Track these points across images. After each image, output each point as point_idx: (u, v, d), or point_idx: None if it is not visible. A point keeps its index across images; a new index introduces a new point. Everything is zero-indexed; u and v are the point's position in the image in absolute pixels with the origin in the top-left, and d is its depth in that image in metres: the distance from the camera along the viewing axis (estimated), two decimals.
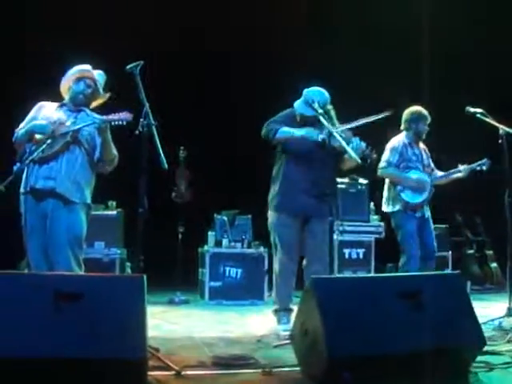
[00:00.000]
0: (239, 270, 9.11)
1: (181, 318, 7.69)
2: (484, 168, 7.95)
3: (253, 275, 9.01)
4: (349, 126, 6.60)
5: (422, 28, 10.61)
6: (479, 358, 4.87)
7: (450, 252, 11.29)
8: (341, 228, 9.70)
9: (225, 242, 9.32)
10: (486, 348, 5.17)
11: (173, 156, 8.69)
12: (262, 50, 11.22)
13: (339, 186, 9.30)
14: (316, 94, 6.63)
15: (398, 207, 7.66)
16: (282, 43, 11.24)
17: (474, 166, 8.00)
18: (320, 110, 6.38)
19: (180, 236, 9.32)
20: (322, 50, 10.83)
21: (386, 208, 7.88)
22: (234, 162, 11.32)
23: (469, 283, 11.02)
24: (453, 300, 4.78)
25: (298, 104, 6.72)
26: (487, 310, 7.80)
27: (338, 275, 8.60)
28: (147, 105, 5.33)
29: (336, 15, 11.40)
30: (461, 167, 8.00)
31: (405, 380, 4.26)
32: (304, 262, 6.71)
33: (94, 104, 5.93)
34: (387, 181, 7.85)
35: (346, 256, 10.01)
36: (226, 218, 9.15)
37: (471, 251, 11.75)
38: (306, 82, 6.86)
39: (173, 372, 4.59)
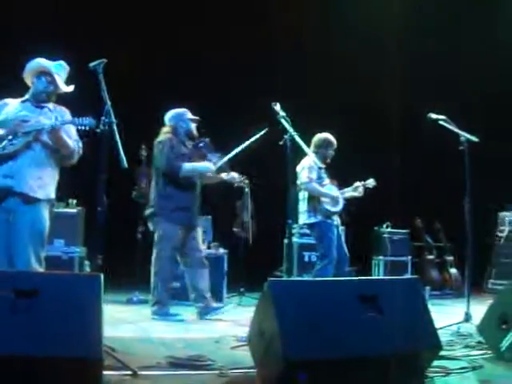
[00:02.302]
0: None
1: (139, 318, 7.63)
2: (370, 186, 8.62)
3: (212, 276, 8.95)
4: (231, 155, 7.68)
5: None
6: (436, 363, 4.88)
7: (410, 257, 11.38)
8: (301, 231, 9.74)
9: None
10: (443, 353, 5.21)
11: (134, 154, 8.66)
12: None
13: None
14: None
15: (319, 217, 8.12)
16: None
17: (364, 183, 8.63)
18: None
19: (140, 235, 9.26)
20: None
21: (306, 220, 8.28)
22: None
23: (428, 288, 11.09)
24: (410, 304, 4.77)
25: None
26: (446, 315, 7.84)
27: (297, 278, 8.65)
28: (109, 103, 5.30)
29: None
30: (356, 184, 8.58)
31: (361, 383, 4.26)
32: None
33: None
34: (306, 195, 8.23)
35: (306, 259, 10.02)
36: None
37: (431, 256, 11.83)
38: None
39: (129, 372, 4.55)
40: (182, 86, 10.76)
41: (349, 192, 8.50)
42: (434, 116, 7.46)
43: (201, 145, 7.69)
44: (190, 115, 7.83)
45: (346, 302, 4.53)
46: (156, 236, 7.66)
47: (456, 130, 7.33)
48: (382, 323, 4.51)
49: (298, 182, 8.11)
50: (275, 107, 6.62)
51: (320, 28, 11.94)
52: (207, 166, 7.66)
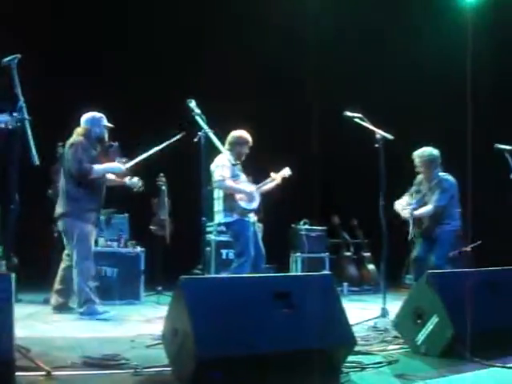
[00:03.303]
0: (115, 270, 8.97)
1: (55, 318, 7.53)
2: (286, 175, 8.55)
3: (129, 275, 8.91)
4: (141, 158, 7.87)
5: None
6: (352, 358, 4.95)
7: (327, 254, 11.51)
8: (218, 228, 9.75)
9: (101, 240, 9.18)
10: (359, 348, 5.30)
11: (50, 152, 8.55)
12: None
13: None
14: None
15: (235, 216, 8.04)
16: None
17: (280, 174, 8.53)
18: None
19: (56, 234, 9.13)
20: None
21: (222, 219, 8.20)
22: None
23: (346, 284, 11.25)
24: (324, 300, 4.82)
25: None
26: (363, 310, 7.99)
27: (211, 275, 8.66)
28: (22, 99, 5.22)
29: None
30: (273, 176, 8.49)
31: (276, 380, 4.28)
32: None
33: None
34: (221, 193, 8.17)
35: (224, 256, 10.04)
36: (102, 217, 9.02)
37: (348, 253, 12.01)
38: None
39: (43, 373, 4.48)
40: (96, 86, 10.69)
41: (266, 185, 8.44)
42: (349, 113, 7.55)
43: (110, 149, 7.70)
44: (105, 121, 7.84)
45: (260, 299, 4.56)
46: (72, 237, 7.57)
47: (371, 127, 7.44)
48: (295, 319, 4.57)
49: (213, 180, 8.09)
50: (190, 104, 6.62)
51: (240, 26, 11.96)
52: (118, 166, 7.82)
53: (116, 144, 7.83)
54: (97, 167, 7.55)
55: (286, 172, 8.60)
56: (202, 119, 6.61)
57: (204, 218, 6.63)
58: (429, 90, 12.59)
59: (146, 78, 11.63)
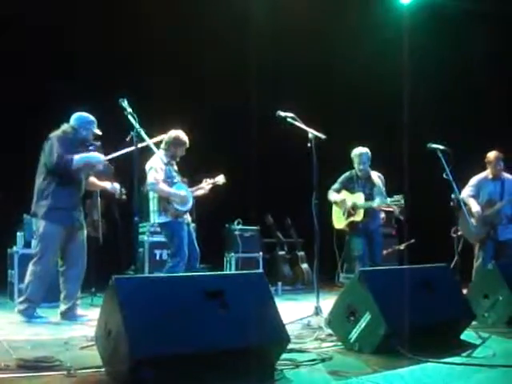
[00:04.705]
0: None
1: None
2: (220, 183, 8.77)
3: None
4: (119, 153, 7.77)
5: None
6: (286, 356, 5.02)
7: (261, 253, 11.58)
8: (152, 229, 9.76)
9: (34, 242, 9.07)
10: (293, 346, 5.38)
11: None
12: None
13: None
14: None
15: (169, 217, 8.10)
16: None
17: (212, 180, 8.73)
18: None
19: None
20: None
21: (156, 219, 8.26)
22: None
23: (280, 284, 11.33)
24: (256, 299, 4.91)
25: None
26: (297, 309, 8.04)
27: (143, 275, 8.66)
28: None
29: None
30: (203, 184, 8.68)
31: (210, 379, 4.30)
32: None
33: None
34: (155, 194, 8.20)
35: (157, 257, 10.05)
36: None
37: (282, 252, 12.08)
38: None
39: None
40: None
41: (198, 190, 8.54)
42: (282, 113, 7.62)
43: (91, 148, 7.56)
44: (95, 127, 7.69)
45: (193, 298, 4.60)
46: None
47: (304, 126, 7.53)
48: (228, 318, 4.61)
49: (146, 182, 8.10)
50: (123, 103, 6.63)
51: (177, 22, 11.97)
52: (98, 156, 7.55)
53: (98, 144, 7.62)
54: (77, 157, 7.29)
55: (221, 179, 8.73)
56: (134, 118, 6.61)
57: (136, 218, 6.64)
58: (364, 90, 12.81)
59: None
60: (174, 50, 11.91)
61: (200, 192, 8.58)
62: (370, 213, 8.82)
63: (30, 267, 7.46)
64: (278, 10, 11.95)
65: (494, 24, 11.78)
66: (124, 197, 8.06)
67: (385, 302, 5.49)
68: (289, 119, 7.60)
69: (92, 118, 7.70)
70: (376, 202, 8.67)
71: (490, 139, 9.88)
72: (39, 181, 7.50)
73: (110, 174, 7.92)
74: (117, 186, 8.07)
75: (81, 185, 7.68)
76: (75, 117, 7.68)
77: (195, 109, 11.90)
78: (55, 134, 7.47)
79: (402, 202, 8.39)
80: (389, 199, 8.60)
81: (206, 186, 8.62)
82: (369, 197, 8.82)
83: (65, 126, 7.59)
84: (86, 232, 7.87)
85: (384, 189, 8.89)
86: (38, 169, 7.58)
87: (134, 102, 6.74)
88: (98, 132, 7.73)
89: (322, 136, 7.42)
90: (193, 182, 8.58)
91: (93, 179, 7.91)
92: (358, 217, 8.81)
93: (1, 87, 10.38)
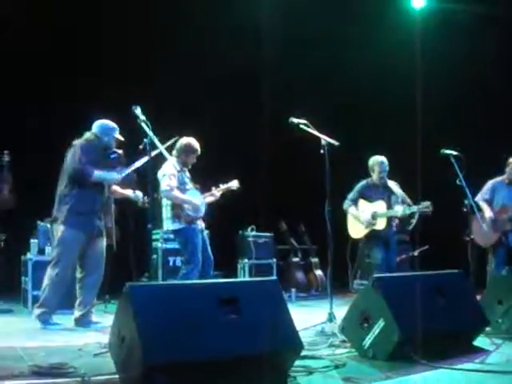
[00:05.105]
0: None
1: (2, 328, 7.51)
2: (234, 188, 8.80)
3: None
4: (134, 167, 7.72)
5: None
6: (300, 363, 5.04)
7: (275, 260, 11.60)
8: (165, 236, 9.80)
9: (48, 249, 9.13)
10: (307, 352, 5.39)
11: None
12: None
13: None
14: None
15: (183, 223, 8.15)
16: None
17: (225, 186, 8.77)
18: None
19: (2, 243, 9.11)
20: None
21: (170, 226, 8.30)
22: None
23: (294, 290, 11.34)
24: (269, 306, 4.92)
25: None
26: (311, 316, 8.03)
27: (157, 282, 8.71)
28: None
29: None
30: (214, 191, 8.67)
31: None
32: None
33: None
34: (168, 201, 8.25)
35: (171, 264, 10.14)
36: (49, 226, 8.99)
37: (296, 259, 12.10)
38: None
39: None
40: None
41: (210, 197, 8.57)
42: (295, 120, 7.63)
43: (112, 156, 7.61)
44: (117, 133, 7.75)
45: (206, 305, 4.61)
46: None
47: (316, 133, 7.54)
48: (241, 324, 4.64)
49: (160, 189, 8.13)
50: (136, 111, 6.66)
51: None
52: (113, 175, 7.60)
53: (120, 152, 7.70)
54: (97, 173, 7.38)
55: (235, 184, 8.75)
56: (148, 126, 6.65)
57: (150, 225, 6.66)
58: (376, 95, 12.82)
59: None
60: (185, 52, 11.91)
61: (211, 198, 8.59)
62: (389, 221, 8.85)
63: (48, 271, 7.49)
64: (292, 14, 11.95)
65: (506, 27, 11.75)
66: (147, 205, 8.06)
67: (399, 309, 5.50)
68: (301, 126, 7.60)
69: (114, 124, 7.76)
70: (402, 211, 8.65)
71: (504, 144, 9.85)
72: (61, 187, 7.53)
73: (133, 181, 7.96)
74: (139, 193, 8.07)
75: (103, 191, 7.69)
76: (97, 124, 7.74)
77: (207, 112, 11.93)
78: (79, 142, 7.52)
79: (431, 208, 8.33)
80: (415, 206, 8.58)
81: (216, 192, 8.62)
82: (389, 205, 8.85)
83: (87, 134, 7.64)
84: (105, 240, 7.85)
85: (406, 197, 8.94)
86: (60, 175, 7.61)
87: (146, 108, 6.77)
88: (121, 138, 7.79)
89: (335, 143, 7.42)
90: (205, 187, 8.60)
91: (115, 187, 7.93)
92: (380, 225, 8.81)
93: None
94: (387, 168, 8.94)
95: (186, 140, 8.27)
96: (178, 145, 8.25)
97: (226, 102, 12.25)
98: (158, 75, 11.77)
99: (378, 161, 8.96)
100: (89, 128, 7.74)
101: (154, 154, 6.98)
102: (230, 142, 12.19)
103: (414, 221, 9.33)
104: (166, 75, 11.90)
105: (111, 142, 7.71)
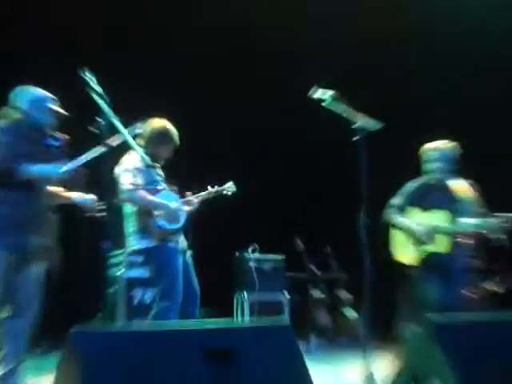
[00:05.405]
0: None
1: None
2: (229, 193, 8.73)
3: None
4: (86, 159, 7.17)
5: None
6: None
7: (287, 294, 11.47)
8: (130, 259, 9.69)
9: None
10: None
11: None
12: None
13: None
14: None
15: (155, 241, 7.93)
16: None
17: (220, 189, 8.70)
18: None
19: None
20: None
21: (136, 244, 8.07)
22: None
23: (313, 337, 11.25)
24: (278, 361, 4.81)
25: None
26: (338, 374, 7.96)
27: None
28: None
29: None
30: (210, 189, 8.67)
31: None
32: None
33: None
34: (132, 208, 8.04)
35: (137, 299, 10.20)
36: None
37: (317, 292, 12.01)
38: None
39: None
40: None
41: (189, 204, 8.42)
42: (317, 93, 7.31)
43: (51, 142, 7.28)
44: (52, 104, 7.24)
45: (187, 360, 4.55)
46: None
47: (351, 111, 7.25)
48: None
49: (119, 189, 7.91)
50: (84, 76, 6.44)
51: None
52: (53, 171, 6.99)
53: (63, 138, 7.24)
54: (26, 167, 6.77)
55: (229, 188, 8.69)
56: (104, 99, 6.44)
57: (106, 244, 6.50)
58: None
59: None
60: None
61: (189, 207, 8.40)
62: (456, 241, 8.38)
63: None
64: None
65: None
66: (101, 214, 7.76)
67: (467, 370, 5.32)
68: (327, 100, 7.32)
69: (44, 92, 7.27)
70: (473, 225, 8.24)
71: None
72: None
73: (81, 181, 7.66)
74: (90, 197, 7.58)
75: (39, 195, 7.14)
76: (21, 96, 7.26)
77: (196, 97, 11.93)
78: None
79: None
80: (494, 220, 8.18)
81: (194, 198, 8.46)
82: (454, 216, 8.43)
83: (8, 111, 7.29)
84: (43, 265, 7.36)
85: (481, 204, 8.55)
86: None
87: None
88: (61, 110, 7.30)
89: (376, 125, 7.18)
90: (191, 191, 8.48)
91: (56, 188, 7.41)
92: (441, 247, 8.37)
93: None
94: (449, 160, 8.60)
95: (158, 124, 8.11)
96: (148, 132, 8.05)
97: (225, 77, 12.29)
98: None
99: (432, 147, 8.61)
100: (7, 101, 7.31)
101: (112, 141, 6.76)
102: (227, 134, 12.16)
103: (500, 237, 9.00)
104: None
105: (48, 120, 7.27)
